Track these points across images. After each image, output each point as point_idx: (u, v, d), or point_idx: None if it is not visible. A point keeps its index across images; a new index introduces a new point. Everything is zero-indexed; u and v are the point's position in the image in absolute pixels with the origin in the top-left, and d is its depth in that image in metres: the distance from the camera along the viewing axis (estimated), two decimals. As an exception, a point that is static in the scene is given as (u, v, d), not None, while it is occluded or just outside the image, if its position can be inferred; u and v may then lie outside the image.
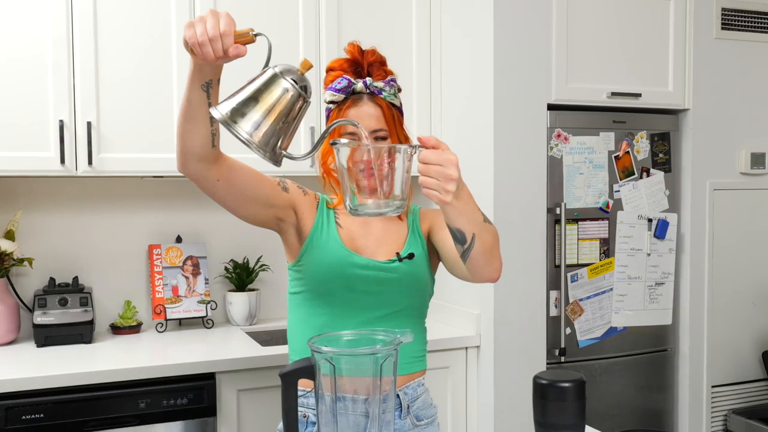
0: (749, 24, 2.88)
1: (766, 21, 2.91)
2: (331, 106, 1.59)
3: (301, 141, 2.58)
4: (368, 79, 1.57)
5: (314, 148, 1.28)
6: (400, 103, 1.64)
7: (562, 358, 2.61)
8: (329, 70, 1.62)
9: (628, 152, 2.72)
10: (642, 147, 2.75)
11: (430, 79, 2.76)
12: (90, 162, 2.34)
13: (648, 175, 2.76)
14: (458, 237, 1.37)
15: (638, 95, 2.70)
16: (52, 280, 2.52)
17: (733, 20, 2.85)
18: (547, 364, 2.57)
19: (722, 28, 2.83)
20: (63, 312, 2.40)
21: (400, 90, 1.63)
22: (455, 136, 2.70)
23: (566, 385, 1.25)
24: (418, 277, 1.64)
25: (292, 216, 1.60)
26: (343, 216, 1.65)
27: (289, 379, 1.24)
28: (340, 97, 1.56)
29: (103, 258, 2.70)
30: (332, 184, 1.65)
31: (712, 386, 2.88)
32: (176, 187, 2.78)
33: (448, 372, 2.54)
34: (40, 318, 2.38)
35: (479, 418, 2.55)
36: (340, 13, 2.62)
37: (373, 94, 1.57)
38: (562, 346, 2.59)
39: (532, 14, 2.51)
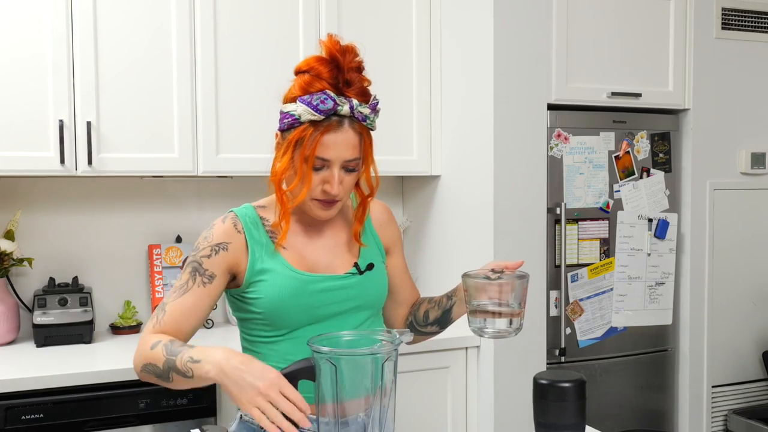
0: (749, 24, 2.88)
1: (766, 21, 2.90)
2: (301, 119, 1.38)
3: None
4: (354, 102, 1.38)
5: None
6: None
7: (562, 358, 2.61)
8: (303, 71, 1.41)
9: (628, 152, 2.72)
10: (642, 147, 2.75)
11: (430, 78, 2.75)
12: (90, 162, 2.34)
13: (648, 175, 2.76)
14: (445, 324, 1.60)
15: (638, 95, 2.70)
16: (51, 280, 2.52)
17: (733, 20, 2.85)
18: (547, 364, 2.57)
19: (722, 28, 2.83)
20: (63, 312, 2.40)
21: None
22: (455, 136, 2.70)
23: (566, 385, 1.25)
24: (380, 286, 1.55)
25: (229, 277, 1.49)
26: (281, 233, 1.47)
27: (290, 380, 1.23)
28: (318, 117, 1.36)
29: (103, 258, 2.69)
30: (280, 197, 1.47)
31: (713, 386, 2.88)
32: (176, 187, 2.78)
33: (448, 372, 2.53)
34: (39, 318, 2.38)
35: (479, 418, 2.55)
36: (340, 13, 2.62)
37: (356, 120, 1.40)
38: (562, 346, 2.59)
39: (532, 14, 2.51)
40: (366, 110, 1.40)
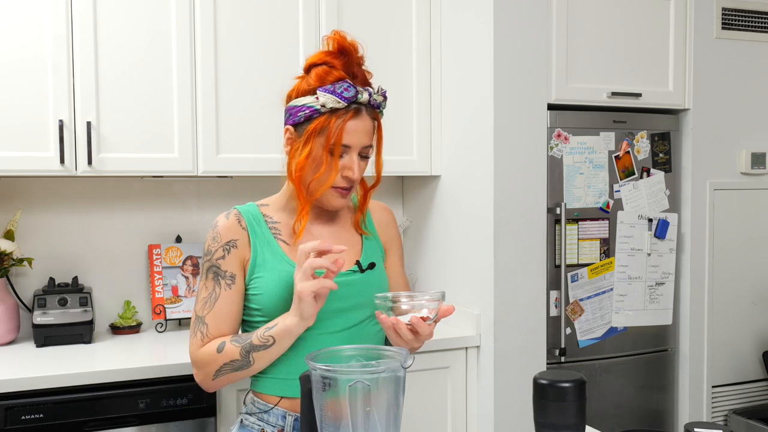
0: (749, 24, 2.88)
1: (766, 21, 2.90)
2: (323, 109, 1.42)
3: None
4: (371, 89, 1.45)
5: None
6: None
7: (563, 358, 2.61)
8: (317, 64, 1.45)
9: (628, 152, 2.72)
10: (642, 147, 2.75)
11: (430, 78, 2.75)
12: (90, 162, 2.34)
13: (648, 175, 2.76)
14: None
15: (638, 95, 2.70)
16: (51, 280, 2.52)
17: (733, 20, 2.85)
18: (547, 364, 2.57)
19: (722, 28, 2.83)
20: (63, 312, 2.40)
21: None
22: (455, 135, 2.70)
23: (566, 385, 1.25)
24: (381, 286, 1.55)
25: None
26: (285, 231, 1.51)
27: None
28: (342, 105, 1.41)
29: (102, 258, 2.69)
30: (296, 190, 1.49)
31: (713, 386, 2.88)
32: (176, 187, 2.78)
33: (448, 372, 2.53)
34: (39, 318, 2.38)
35: (479, 418, 2.55)
36: (340, 14, 2.62)
37: (372, 108, 1.47)
38: (562, 346, 2.59)
39: (532, 15, 2.51)
40: (380, 98, 1.48)
